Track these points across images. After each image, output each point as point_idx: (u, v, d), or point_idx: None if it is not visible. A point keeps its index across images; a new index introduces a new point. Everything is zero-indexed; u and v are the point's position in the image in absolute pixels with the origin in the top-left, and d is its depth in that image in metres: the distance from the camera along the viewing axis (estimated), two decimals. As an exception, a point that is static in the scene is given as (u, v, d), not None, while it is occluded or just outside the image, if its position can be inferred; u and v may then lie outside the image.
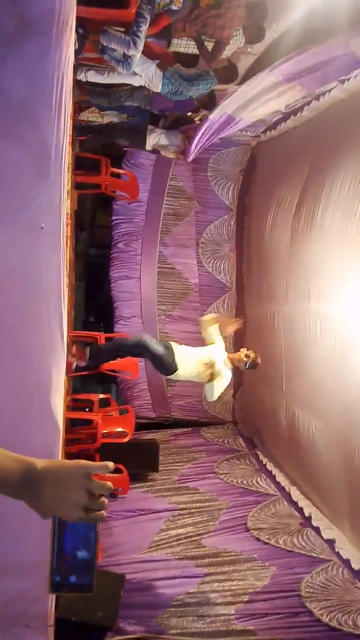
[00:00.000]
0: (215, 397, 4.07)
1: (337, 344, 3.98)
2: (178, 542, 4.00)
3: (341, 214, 3.95)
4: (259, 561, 3.82)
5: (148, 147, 4.40)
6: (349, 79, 4.01)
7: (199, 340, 6.32)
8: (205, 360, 4.02)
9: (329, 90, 4.28)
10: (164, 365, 4.00)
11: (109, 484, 0.89)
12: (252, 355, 4.05)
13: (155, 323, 6.09)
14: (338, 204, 4.02)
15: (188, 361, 4.03)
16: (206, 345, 4.18)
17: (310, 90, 4.15)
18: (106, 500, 0.89)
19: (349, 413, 3.79)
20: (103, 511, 0.89)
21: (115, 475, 4.46)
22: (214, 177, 6.12)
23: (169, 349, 4.03)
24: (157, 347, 3.98)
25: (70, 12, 2.46)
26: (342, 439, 3.89)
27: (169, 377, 4.17)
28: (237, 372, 6.29)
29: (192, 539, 4.05)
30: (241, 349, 4.21)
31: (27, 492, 0.87)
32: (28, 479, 0.87)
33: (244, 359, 4.04)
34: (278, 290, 5.09)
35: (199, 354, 4.07)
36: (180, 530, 4.14)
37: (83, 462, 0.89)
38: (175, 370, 4.00)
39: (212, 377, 4.04)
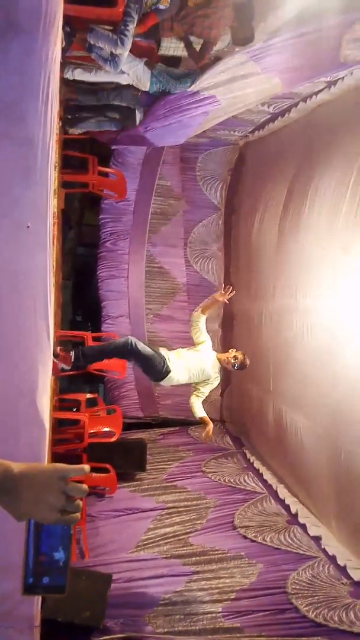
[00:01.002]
0: (199, 414, 4.07)
1: (323, 341, 4.02)
2: (165, 541, 4.01)
3: (327, 212, 4.00)
4: (246, 559, 3.84)
5: (137, 122, 4.29)
6: (335, 83, 4.05)
7: (187, 340, 6.35)
8: (197, 371, 4.05)
9: (316, 93, 4.32)
10: (154, 369, 3.93)
11: (84, 486, 0.90)
12: (240, 356, 4.06)
13: (143, 322, 6.08)
14: (324, 202, 4.06)
15: (180, 367, 4.00)
16: (195, 345, 4.17)
17: (288, 90, 4.13)
18: (81, 503, 0.90)
19: (335, 411, 3.83)
20: (78, 513, 0.91)
21: (102, 474, 4.46)
22: (202, 176, 6.14)
23: (158, 353, 3.99)
24: (146, 349, 3.93)
25: (57, 10, 2.45)
26: (328, 436, 3.93)
27: (159, 383, 4.11)
28: (225, 371, 6.34)
29: (180, 537, 4.06)
30: (230, 350, 4.22)
31: (3, 495, 0.88)
32: (3, 482, 0.87)
33: (232, 360, 4.05)
34: (266, 288, 5.13)
35: (191, 363, 4.05)
36: (168, 529, 4.15)
37: (59, 465, 0.91)
38: (165, 376, 3.95)
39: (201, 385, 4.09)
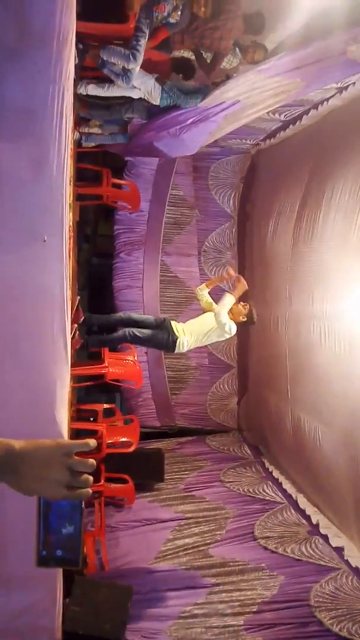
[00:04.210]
0: (231, 330, 4.06)
1: (341, 347, 3.98)
2: (185, 552, 3.98)
3: (343, 219, 3.97)
4: (267, 570, 3.79)
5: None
6: (347, 88, 4.04)
7: (202, 350, 6.34)
8: (204, 325, 4.08)
9: (327, 99, 4.31)
10: (161, 343, 4.01)
11: (91, 460, 0.89)
12: (248, 308, 4.13)
13: (159, 332, 6.10)
14: (339, 209, 4.04)
15: (192, 324, 4.08)
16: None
17: (310, 88, 4.04)
18: (90, 477, 0.90)
19: (355, 417, 3.77)
20: (87, 489, 0.90)
21: (120, 485, 4.45)
22: (214, 185, 6.15)
23: (159, 324, 4.08)
24: (145, 333, 4.02)
25: (70, 27, 2.49)
26: (348, 443, 3.87)
27: (173, 352, 4.16)
28: (241, 377, 6.31)
29: (199, 548, 4.03)
30: (241, 303, 4.23)
31: (6, 474, 0.87)
32: (6, 460, 0.87)
33: (243, 310, 4.10)
34: (281, 295, 5.10)
35: (197, 321, 4.13)
36: (187, 540, 4.12)
37: (63, 440, 0.90)
38: (174, 344, 3.98)
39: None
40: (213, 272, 6.27)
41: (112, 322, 4.44)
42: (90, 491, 0.92)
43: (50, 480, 0.87)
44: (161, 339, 4.00)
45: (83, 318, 3.99)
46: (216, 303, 4.14)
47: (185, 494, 4.81)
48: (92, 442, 0.92)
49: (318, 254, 4.34)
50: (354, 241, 3.82)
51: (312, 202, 4.49)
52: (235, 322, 4.09)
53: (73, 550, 0.92)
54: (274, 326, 5.29)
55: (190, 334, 4.09)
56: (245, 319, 4.14)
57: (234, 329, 4.08)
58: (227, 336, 4.16)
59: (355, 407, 3.77)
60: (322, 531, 4.15)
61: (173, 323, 4.15)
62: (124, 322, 4.26)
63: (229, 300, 4.03)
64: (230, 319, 4.05)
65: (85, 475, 0.89)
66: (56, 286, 2.59)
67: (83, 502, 0.93)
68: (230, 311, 4.07)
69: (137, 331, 4.03)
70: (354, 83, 3.95)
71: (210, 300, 4.23)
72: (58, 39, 2.44)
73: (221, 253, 6.28)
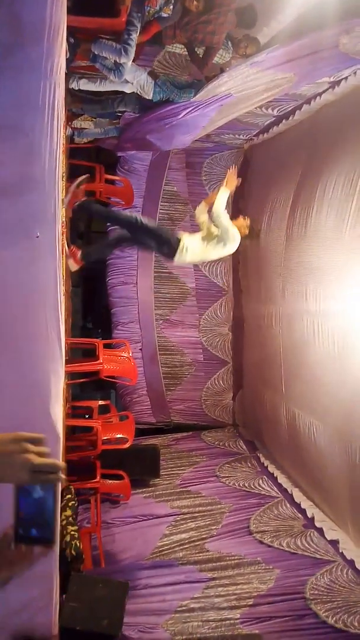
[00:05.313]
0: (235, 237, 3.78)
1: (334, 342, 4.00)
2: (181, 547, 3.99)
3: (335, 214, 3.98)
4: (263, 564, 3.81)
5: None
6: (339, 82, 4.04)
7: (198, 345, 6.34)
8: (214, 231, 3.80)
9: (320, 94, 4.31)
10: (165, 240, 3.73)
11: (40, 435, 0.98)
12: (248, 221, 3.90)
13: (153, 328, 6.10)
14: (332, 204, 4.04)
15: (196, 235, 3.82)
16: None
17: (303, 82, 4.00)
18: (58, 462, 0.98)
19: (349, 412, 3.80)
20: (56, 474, 0.98)
21: (116, 481, 4.46)
22: (208, 180, 6.14)
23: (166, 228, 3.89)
24: (153, 223, 3.82)
25: (61, 21, 2.47)
26: (342, 438, 3.89)
27: (173, 260, 3.83)
28: (236, 373, 6.33)
29: (195, 543, 4.05)
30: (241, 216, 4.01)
31: None
32: None
33: (244, 222, 3.87)
34: (275, 291, 5.11)
35: (207, 230, 3.85)
36: (183, 535, 4.13)
37: (19, 432, 0.99)
38: (178, 247, 3.70)
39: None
40: (207, 268, 6.27)
41: (111, 216, 4.14)
42: (62, 477, 0.99)
43: (10, 467, 0.95)
44: (167, 233, 3.76)
45: (79, 202, 3.73)
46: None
47: (181, 489, 4.82)
48: (43, 436, 1.00)
49: (311, 249, 4.35)
50: (346, 236, 3.84)
51: (305, 197, 4.50)
52: (241, 234, 3.83)
53: (47, 530, 1.00)
54: (268, 322, 5.30)
55: (194, 240, 3.80)
56: (248, 231, 3.86)
57: (237, 236, 3.78)
58: (231, 245, 3.82)
59: (347, 402, 3.79)
60: (317, 524, 4.18)
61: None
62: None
63: (223, 194, 3.69)
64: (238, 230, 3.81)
65: (53, 460, 0.97)
66: (49, 282, 2.58)
67: (58, 485, 1.00)
68: (236, 222, 3.83)
69: (146, 220, 3.77)
70: (346, 78, 3.95)
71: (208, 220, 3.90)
72: (49, 34, 2.42)
73: (215, 249, 6.27)
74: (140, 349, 5.94)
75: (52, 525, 1.00)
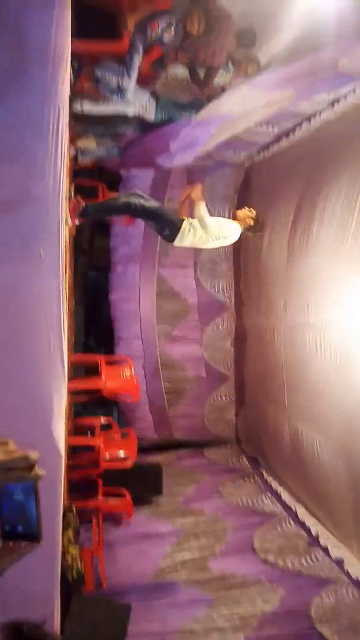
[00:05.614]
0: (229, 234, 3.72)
1: (337, 356, 4.00)
2: (184, 567, 3.94)
3: (336, 229, 4.01)
4: (267, 584, 3.76)
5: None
6: (339, 101, 4.10)
7: (200, 360, 6.33)
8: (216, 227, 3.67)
9: (320, 113, 4.37)
10: (166, 221, 3.55)
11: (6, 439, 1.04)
12: (254, 213, 3.77)
13: (155, 343, 6.10)
14: (332, 219, 4.08)
15: (191, 221, 3.62)
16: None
17: (301, 100, 4.06)
18: (32, 455, 1.03)
19: (352, 427, 3.77)
20: (33, 470, 1.03)
21: (118, 500, 4.42)
22: (209, 197, 6.16)
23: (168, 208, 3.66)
24: (151, 203, 3.61)
25: (66, 48, 2.54)
26: (346, 453, 3.87)
27: (173, 242, 3.65)
28: (238, 388, 6.30)
29: (198, 563, 4.00)
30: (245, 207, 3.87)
31: None
32: None
33: (249, 212, 3.76)
34: (277, 305, 5.12)
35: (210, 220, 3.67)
36: (186, 554, 4.08)
37: None
38: (179, 228, 3.52)
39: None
40: (209, 284, 6.30)
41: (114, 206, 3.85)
42: (39, 472, 1.06)
43: None
44: (168, 214, 3.59)
45: (82, 208, 3.56)
46: None
47: (184, 507, 4.78)
48: None
49: (312, 264, 4.38)
50: (347, 251, 3.86)
51: (306, 213, 4.54)
52: (243, 227, 3.74)
53: (32, 527, 1.11)
54: (270, 336, 5.30)
55: (196, 225, 3.62)
56: (253, 223, 3.76)
57: (236, 230, 3.71)
58: (230, 238, 3.74)
59: (351, 417, 3.77)
60: (322, 542, 4.13)
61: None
62: (129, 195, 3.73)
63: (200, 209, 3.58)
64: (239, 224, 3.74)
65: (20, 454, 1.03)
66: (53, 300, 2.60)
67: (36, 483, 1.09)
68: (237, 217, 3.77)
69: (144, 201, 3.58)
70: (346, 96, 4.01)
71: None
72: (54, 60, 2.49)
73: (216, 264, 6.31)
74: (143, 365, 5.93)
75: (36, 523, 1.10)
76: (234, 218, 3.85)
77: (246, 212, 3.77)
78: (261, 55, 4.14)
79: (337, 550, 4.01)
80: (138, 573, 3.87)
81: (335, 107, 4.18)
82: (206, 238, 3.68)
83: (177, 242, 3.65)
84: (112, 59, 3.53)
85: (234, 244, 6.30)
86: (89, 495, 4.19)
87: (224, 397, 6.31)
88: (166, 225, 3.60)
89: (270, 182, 5.50)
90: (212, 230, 3.63)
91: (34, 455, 1.04)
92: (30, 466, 1.03)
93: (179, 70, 4.14)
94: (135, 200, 3.55)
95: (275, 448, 5.38)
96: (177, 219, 3.58)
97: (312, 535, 4.27)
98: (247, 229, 3.80)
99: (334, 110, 4.23)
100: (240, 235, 3.83)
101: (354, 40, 3.17)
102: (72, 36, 2.66)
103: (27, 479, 1.05)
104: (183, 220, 3.57)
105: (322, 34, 3.37)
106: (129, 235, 5.99)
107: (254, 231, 3.86)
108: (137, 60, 3.37)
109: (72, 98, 3.71)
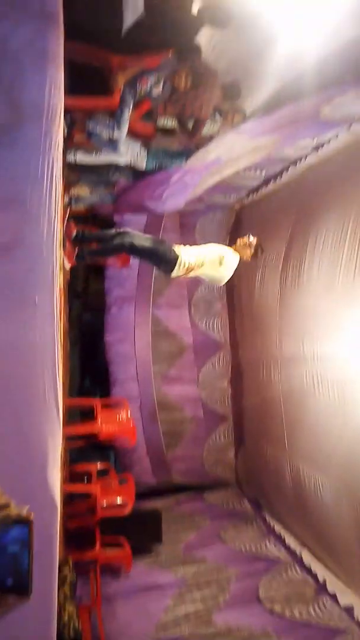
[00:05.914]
0: (227, 278, 3.74)
1: (334, 392, 3.98)
2: (187, 621, 3.76)
3: (327, 266, 4.09)
4: (274, 636, 3.58)
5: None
6: (322, 146, 4.28)
7: (197, 400, 6.27)
8: (213, 254, 3.66)
9: (305, 157, 4.56)
10: (162, 257, 3.55)
11: None
12: (255, 241, 3.75)
13: (152, 384, 6.06)
14: (323, 256, 4.17)
15: (187, 250, 3.64)
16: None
17: (286, 144, 4.19)
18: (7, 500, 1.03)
19: (351, 464, 3.71)
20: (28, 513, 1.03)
21: (116, 550, 4.27)
22: (201, 239, 6.32)
23: (161, 241, 3.72)
24: (145, 243, 3.60)
25: (59, 104, 2.66)
26: (350, 493, 3.78)
27: (174, 274, 3.62)
28: (237, 428, 6.21)
29: (202, 616, 3.82)
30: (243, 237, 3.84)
31: None
32: None
33: (247, 239, 3.74)
34: (272, 343, 5.14)
35: (205, 248, 3.72)
36: (189, 607, 3.91)
37: None
38: (176, 262, 3.52)
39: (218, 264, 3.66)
40: (204, 322, 6.33)
41: (107, 237, 3.81)
42: (19, 512, 1.07)
43: None
44: (163, 251, 3.57)
45: (76, 233, 3.59)
46: None
47: (185, 555, 4.61)
48: None
49: (305, 301, 4.43)
50: (339, 287, 3.92)
51: (297, 251, 4.64)
52: (242, 257, 3.74)
53: (21, 579, 1.09)
54: (267, 373, 5.29)
55: (190, 255, 3.63)
56: (254, 250, 3.76)
57: (233, 262, 3.71)
58: (228, 270, 3.73)
59: (352, 452, 3.71)
60: (330, 589, 3.98)
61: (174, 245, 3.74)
62: (120, 235, 3.72)
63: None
64: (238, 253, 3.74)
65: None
66: (47, 347, 2.60)
67: (31, 536, 1.09)
68: (235, 247, 3.76)
69: (137, 239, 3.60)
70: (329, 141, 4.19)
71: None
72: (47, 115, 2.60)
73: (211, 303, 6.37)
74: (139, 407, 5.87)
75: (27, 577, 1.09)
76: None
77: (244, 242, 3.78)
78: (247, 105, 4.35)
79: (346, 596, 3.86)
80: (139, 629, 3.69)
81: (319, 152, 4.36)
82: (203, 268, 3.68)
83: (174, 274, 3.66)
84: (104, 113, 3.69)
85: (227, 283, 6.44)
86: (86, 545, 4.04)
87: (222, 437, 6.22)
88: (161, 262, 3.64)
89: (261, 222, 5.64)
90: (211, 275, 3.70)
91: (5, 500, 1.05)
92: (5, 505, 1.04)
93: (169, 122, 4.33)
94: (127, 240, 3.59)
95: (276, 489, 5.25)
96: (171, 255, 3.59)
97: (319, 581, 4.11)
98: (248, 258, 3.81)
99: (318, 155, 4.41)
100: (232, 275, 3.88)
101: (335, 89, 3.34)
102: (66, 93, 2.79)
103: (11, 519, 1.04)
104: (178, 256, 3.59)
105: (303, 85, 3.56)
106: (122, 277, 6.07)
107: (254, 258, 3.88)
108: (128, 113, 3.53)
109: (66, 149, 3.86)
